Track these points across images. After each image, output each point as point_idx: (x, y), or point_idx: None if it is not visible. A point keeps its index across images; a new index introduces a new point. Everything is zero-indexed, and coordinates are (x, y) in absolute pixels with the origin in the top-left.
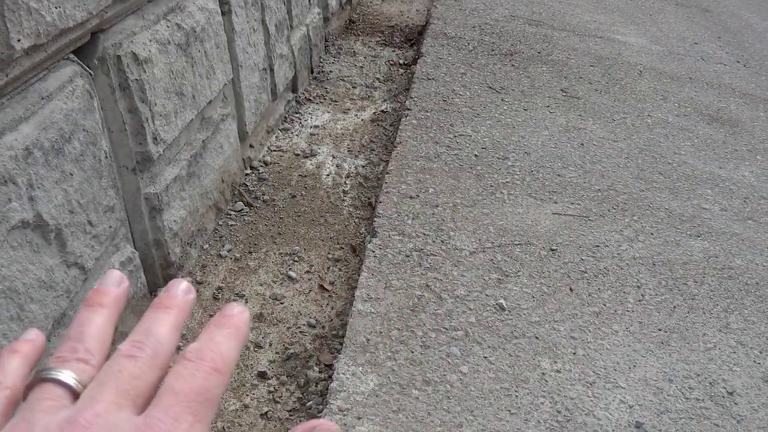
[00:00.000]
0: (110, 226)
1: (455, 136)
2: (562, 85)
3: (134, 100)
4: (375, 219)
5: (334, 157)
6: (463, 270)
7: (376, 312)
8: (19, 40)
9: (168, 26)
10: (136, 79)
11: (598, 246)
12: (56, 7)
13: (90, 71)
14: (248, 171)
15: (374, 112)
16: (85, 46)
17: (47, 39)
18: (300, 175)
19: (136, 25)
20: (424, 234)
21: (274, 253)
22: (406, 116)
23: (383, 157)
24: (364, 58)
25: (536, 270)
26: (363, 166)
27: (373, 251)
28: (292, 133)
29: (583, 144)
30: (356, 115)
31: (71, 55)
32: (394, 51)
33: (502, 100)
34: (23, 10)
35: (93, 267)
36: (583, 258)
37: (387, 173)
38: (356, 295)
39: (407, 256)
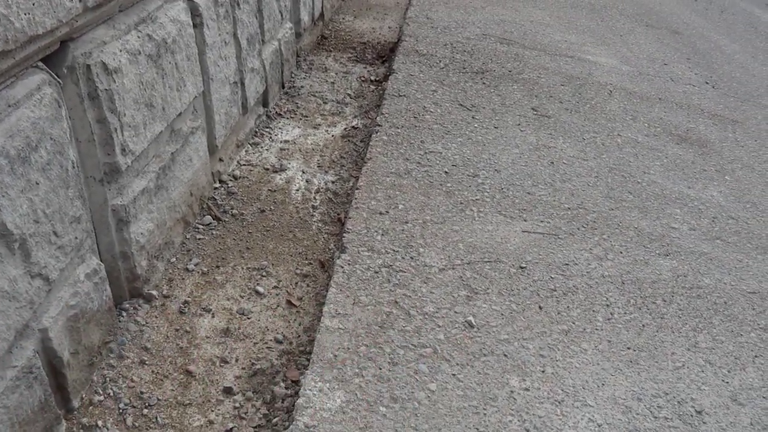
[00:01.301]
0: (76, 237)
1: (426, 153)
2: (533, 103)
3: (103, 110)
4: (344, 234)
5: (303, 172)
6: (432, 287)
7: (344, 328)
8: None
9: (139, 36)
10: (106, 89)
11: (567, 264)
12: (25, 14)
13: (59, 80)
14: (217, 185)
15: (345, 128)
16: (55, 54)
17: (15, 45)
18: (269, 189)
19: (106, 34)
20: (394, 250)
21: (242, 268)
22: (376, 132)
23: (353, 173)
24: (336, 74)
25: (505, 287)
26: (333, 182)
27: (342, 267)
28: (262, 147)
29: (553, 162)
30: (327, 131)
31: (40, 63)
32: (365, 67)
33: (473, 117)
34: None
35: (57, 278)
36: (553, 276)
37: (357, 189)
38: (324, 310)
39: (376, 272)
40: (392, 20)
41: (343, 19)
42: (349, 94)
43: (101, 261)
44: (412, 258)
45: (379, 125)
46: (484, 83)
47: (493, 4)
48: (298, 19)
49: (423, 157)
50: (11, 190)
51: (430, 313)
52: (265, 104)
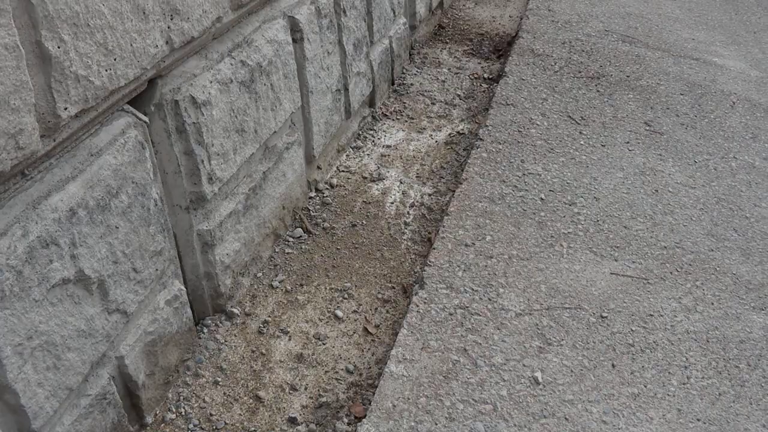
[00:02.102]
0: (156, 269)
1: (524, 175)
2: (647, 116)
3: (190, 143)
4: (425, 268)
5: (401, 183)
6: (505, 334)
7: (408, 375)
8: (65, 108)
9: (232, 64)
10: (194, 123)
11: (651, 315)
12: (106, 70)
13: (145, 120)
14: (313, 194)
15: (449, 134)
16: (141, 94)
17: (96, 102)
18: (364, 201)
19: (197, 66)
20: (473, 289)
21: (325, 288)
22: (477, 148)
23: (451, 186)
24: (449, 69)
25: (581, 339)
26: (429, 195)
27: (417, 306)
28: (363, 152)
29: (657, 190)
30: (431, 136)
31: (126, 105)
32: (479, 63)
33: (580, 132)
34: (71, 79)
35: (136, 310)
36: (634, 329)
37: (447, 215)
38: (392, 354)
39: (451, 314)
40: (514, 8)
41: (464, 6)
42: (458, 95)
43: (185, 281)
44: (490, 299)
45: (481, 139)
46: (598, 91)
47: None
48: (413, 12)
49: (521, 179)
50: (90, 238)
51: (497, 365)
52: (371, 104)
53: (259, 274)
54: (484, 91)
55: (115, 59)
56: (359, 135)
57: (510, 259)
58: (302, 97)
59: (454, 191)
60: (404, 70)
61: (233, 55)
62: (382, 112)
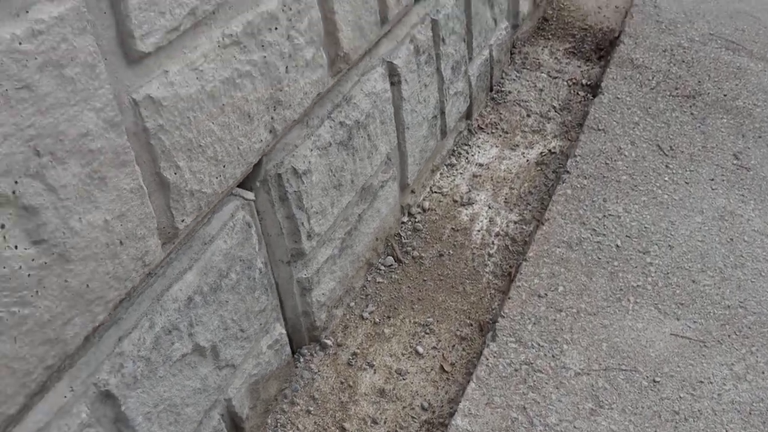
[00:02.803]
0: (260, 323)
1: (604, 217)
2: (737, 147)
3: (291, 208)
4: (499, 319)
5: (489, 208)
6: (562, 393)
7: (471, 431)
8: (182, 220)
9: (331, 126)
10: (295, 191)
11: (701, 382)
12: (216, 178)
13: (252, 198)
14: (405, 218)
15: (541, 152)
16: (248, 176)
17: (209, 207)
18: (452, 228)
19: (299, 136)
20: (539, 345)
21: (410, 322)
22: (562, 182)
23: (536, 214)
24: (548, 74)
25: (631, 404)
26: (515, 223)
27: (487, 359)
28: (456, 170)
29: (732, 239)
30: (523, 154)
31: (234, 189)
32: (579, 66)
33: (666, 166)
34: (186, 196)
35: (242, 360)
36: (682, 395)
37: (525, 260)
38: (459, 408)
39: (516, 370)
40: None
41: None
42: (554, 106)
43: (285, 320)
44: (553, 356)
45: (567, 172)
46: (692, 114)
47: None
48: (516, 12)
49: (600, 222)
50: (204, 317)
51: (550, 425)
52: (468, 116)
53: (352, 304)
54: (580, 102)
55: (224, 166)
56: (454, 151)
57: (578, 314)
58: (398, 135)
59: (542, 216)
60: (503, 75)
61: (332, 116)
62: (478, 125)
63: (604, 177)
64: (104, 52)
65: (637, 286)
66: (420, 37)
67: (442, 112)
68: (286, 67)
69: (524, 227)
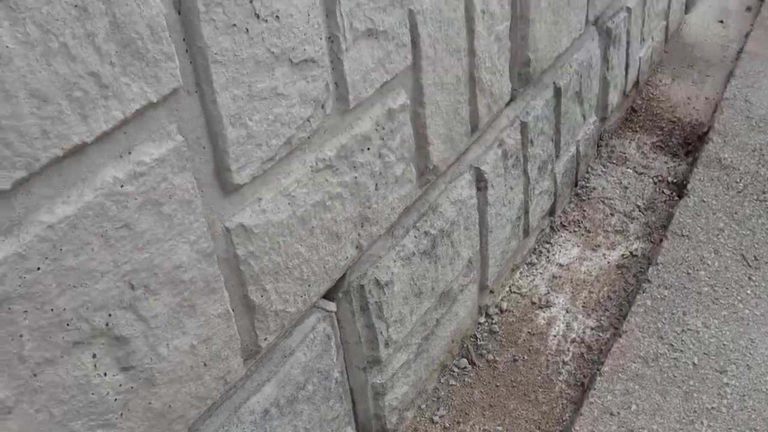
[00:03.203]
0: (333, 429)
1: (682, 331)
2: None
3: (371, 318)
4: None
5: (567, 312)
6: None
7: None
8: (265, 339)
9: (416, 236)
10: (376, 302)
11: None
12: (301, 297)
13: (333, 310)
14: (482, 319)
15: (622, 254)
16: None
17: (291, 325)
18: (528, 332)
19: (383, 247)
20: None
21: (480, 428)
22: (642, 292)
23: (614, 321)
24: (633, 169)
25: None
26: (592, 329)
27: None
28: (536, 270)
29: None
30: (604, 255)
31: (318, 301)
32: (666, 162)
33: (749, 278)
34: (271, 317)
35: None
36: None
37: (599, 375)
38: None
39: None
40: (711, 86)
41: (660, 81)
42: (638, 205)
43: (356, 421)
44: None
45: (648, 281)
46: None
47: None
48: (605, 105)
49: (677, 337)
50: (278, 428)
51: None
52: (551, 213)
53: (423, 406)
54: (665, 201)
55: (309, 285)
56: (535, 249)
57: None
58: (481, 238)
59: (615, 331)
60: (589, 169)
61: (418, 226)
62: (561, 222)
63: (685, 288)
64: (200, 185)
65: (712, 408)
66: (509, 141)
67: (526, 212)
68: (376, 185)
69: (601, 334)
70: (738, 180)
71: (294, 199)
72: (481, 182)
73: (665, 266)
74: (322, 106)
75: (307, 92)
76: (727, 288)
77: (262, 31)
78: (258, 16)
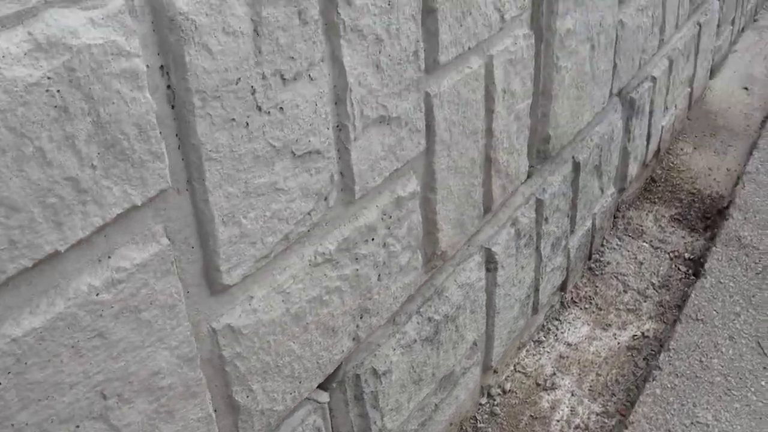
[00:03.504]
0: None
1: (691, 424)
2: None
3: (366, 407)
4: None
5: (572, 395)
6: None
7: None
8: None
9: (418, 323)
10: (372, 391)
11: None
12: (290, 394)
13: (326, 401)
14: (483, 400)
15: (634, 335)
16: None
17: (279, 422)
18: (531, 415)
19: (383, 335)
20: None
21: None
22: (652, 380)
23: (620, 407)
24: (650, 243)
25: None
26: (597, 415)
27: None
28: (542, 348)
29: None
30: (614, 335)
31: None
32: (683, 236)
33: (764, 368)
34: (256, 416)
35: None
36: None
37: None
38: None
39: None
40: (733, 156)
41: (681, 150)
42: (653, 283)
43: None
44: None
45: (659, 368)
46: None
47: None
48: (624, 175)
49: (686, 431)
50: None
51: None
52: (562, 288)
53: None
54: (680, 279)
55: (300, 382)
56: (543, 326)
57: None
58: (487, 320)
59: (622, 418)
60: (604, 242)
61: (421, 311)
62: (572, 298)
63: (696, 377)
64: (186, 285)
65: None
66: (522, 220)
67: (536, 290)
68: (378, 275)
69: (606, 420)
70: (757, 260)
71: (289, 295)
72: (491, 263)
73: (677, 352)
74: (325, 199)
75: (310, 185)
76: (741, 378)
77: (263, 124)
78: (260, 109)
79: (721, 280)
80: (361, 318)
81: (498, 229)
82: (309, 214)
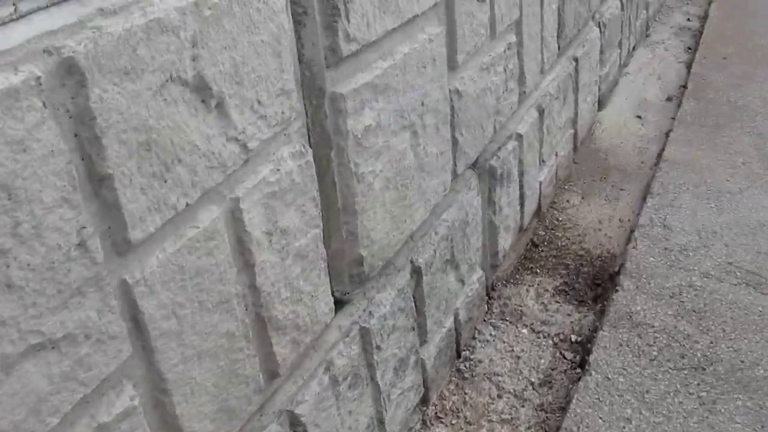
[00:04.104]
0: None
1: None
2: None
3: None
4: None
5: None
6: None
7: None
8: None
9: None
10: None
11: None
12: None
13: None
14: None
15: None
16: None
17: None
18: None
19: None
20: None
21: None
22: None
23: None
24: (530, 328)
25: None
26: None
27: None
28: None
29: None
30: None
31: None
32: (570, 313)
33: None
34: None
35: None
36: None
37: None
38: None
39: None
40: (627, 203)
41: (567, 202)
42: (532, 382)
43: None
44: None
45: None
46: (699, 396)
47: (755, 184)
48: (494, 251)
49: None
50: None
51: None
52: (424, 402)
53: None
54: (565, 371)
55: None
56: None
57: None
58: None
59: None
60: (476, 334)
61: None
62: (435, 413)
63: None
64: None
65: None
66: (339, 362)
67: (381, 423)
68: None
69: None
70: (651, 342)
71: None
72: (297, 427)
73: None
74: None
75: None
76: None
77: None
78: None
79: (609, 376)
80: None
81: (303, 382)
82: None
